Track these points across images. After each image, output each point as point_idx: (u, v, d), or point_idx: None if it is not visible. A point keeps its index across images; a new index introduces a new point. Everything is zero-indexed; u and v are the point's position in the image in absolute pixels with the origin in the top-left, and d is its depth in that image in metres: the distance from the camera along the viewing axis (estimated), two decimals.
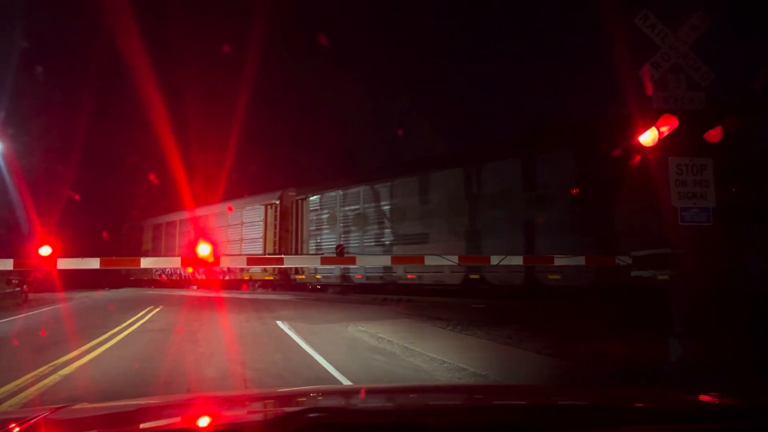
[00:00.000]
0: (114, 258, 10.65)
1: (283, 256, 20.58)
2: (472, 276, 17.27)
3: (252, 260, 13.35)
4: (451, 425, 1.63)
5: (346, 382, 7.09)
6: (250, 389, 6.51)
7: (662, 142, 6.91)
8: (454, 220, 18.37)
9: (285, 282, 26.50)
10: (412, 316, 13.77)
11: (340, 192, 23.48)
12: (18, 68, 30.22)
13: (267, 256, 22.82)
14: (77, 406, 2.42)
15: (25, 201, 26.90)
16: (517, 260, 10.67)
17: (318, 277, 24.07)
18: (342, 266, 21.72)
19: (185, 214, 31.96)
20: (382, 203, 21.50)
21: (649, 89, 6.91)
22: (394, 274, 20.45)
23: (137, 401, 2.69)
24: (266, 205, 27.50)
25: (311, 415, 1.56)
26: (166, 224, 35.74)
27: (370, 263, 19.67)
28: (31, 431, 1.78)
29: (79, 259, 9.24)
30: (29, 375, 7.27)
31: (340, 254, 13.27)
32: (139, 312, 16.33)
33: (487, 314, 12.89)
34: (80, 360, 8.51)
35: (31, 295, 21.58)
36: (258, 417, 1.80)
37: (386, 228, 21.14)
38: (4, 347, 10.50)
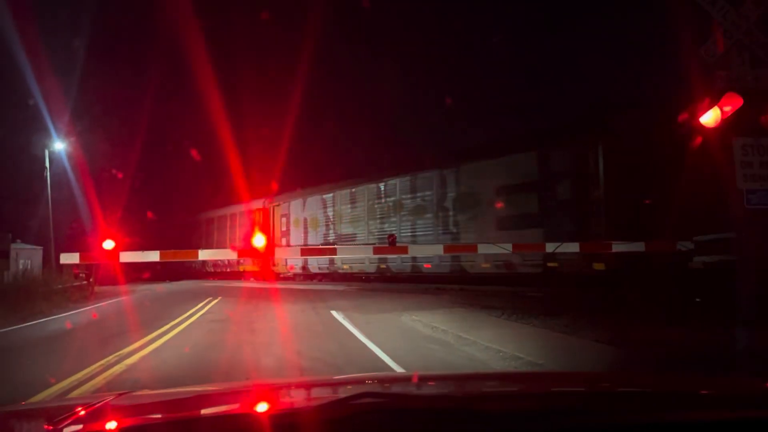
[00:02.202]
0: (173, 251, 10.97)
1: (336, 246, 20.68)
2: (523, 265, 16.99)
3: (305, 251, 13.45)
4: (509, 411, 1.60)
5: (400, 370, 7.10)
6: (306, 376, 6.60)
7: (725, 122, 6.63)
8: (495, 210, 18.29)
9: (334, 273, 27.05)
10: (466, 305, 13.69)
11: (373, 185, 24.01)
12: (83, 67, 31.43)
13: (321, 246, 23.05)
14: (139, 393, 2.49)
15: (89, 196, 27.97)
16: (573, 247, 10.45)
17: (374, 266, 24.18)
18: (392, 256, 21.71)
19: (241, 207, 32.58)
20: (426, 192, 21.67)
21: (711, 68, 6.64)
22: (447, 264, 20.51)
23: (196, 387, 2.76)
24: (323, 198, 27.92)
25: (366, 399, 1.56)
26: (218, 218, 36.35)
27: (422, 252, 19.45)
28: (95, 415, 1.84)
29: (140, 252, 9.57)
30: (97, 364, 7.56)
31: (392, 244, 13.30)
32: (198, 303, 16.76)
33: (543, 303, 12.68)
34: (144, 350, 8.80)
35: (97, 288, 22.42)
36: (314, 402, 1.81)
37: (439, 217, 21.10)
38: (74, 338, 10.98)
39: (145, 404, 2.21)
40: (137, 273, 29.21)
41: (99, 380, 6.76)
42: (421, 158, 22.59)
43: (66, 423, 1.64)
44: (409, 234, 21.79)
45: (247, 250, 9.31)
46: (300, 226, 28.15)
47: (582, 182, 15.98)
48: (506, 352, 7.63)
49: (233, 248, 23.10)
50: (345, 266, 24.67)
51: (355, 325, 11.03)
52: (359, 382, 2.50)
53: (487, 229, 18.27)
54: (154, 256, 9.55)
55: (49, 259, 24.08)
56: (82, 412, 1.84)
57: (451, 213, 20.19)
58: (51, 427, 1.63)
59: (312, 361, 7.70)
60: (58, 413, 1.75)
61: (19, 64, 25.18)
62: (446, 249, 15.39)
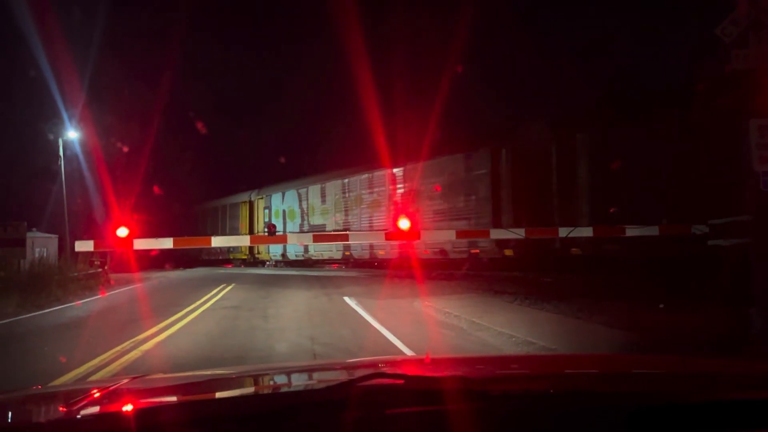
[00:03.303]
0: (186, 237, 11.03)
1: (348, 232, 20.99)
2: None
3: (318, 237, 13.52)
4: (521, 392, 1.59)
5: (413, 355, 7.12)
6: (319, 360, 6.63)
7: (742, 103, 6.54)
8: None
9: (308, 259, 29.54)
10: (479, 291, 13.69)
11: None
12: (96, 56, 31.57)
13: (332, 233, 23.36)
14: (153, 376, 2.51)
15: (103, 184, 28.14)
16: (587, 231, 10.39)
17: (382, 252, 24.94)
18: (354, 243, 24.92)
19: (311, 183, 33.02)
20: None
21: (728, 47, 6.53)
22: (396, 251, 22.88)
23: (210, 372, 2.77)
24: (299, 192, 30.31)
25: (378, 380, 1.56)
26: (230, 206, 36.86)
27: (432, 239, 19.91)
28: (110, 397, 1.86)
29: (154, 239, 9.62)
30: (113, 351, 7.64)
31: (271, 233, 13.29)
32: (212, 290, 16.87)
33: (555, 288, 12.64)
34: (159, 336, 8.88)
35: (111, 275, 22.62)
36: (326, 384, 1.81)
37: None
38: (90, 325, 11.10)
39: (159, 387, 2.23)
40: (151, 261, 29.48)
41: (115, 366, 6.83)
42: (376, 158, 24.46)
43: (81, 404, 1.65)
44: (367, 224, 24.79)
45: (261, 236, 9.39)
46: (280, 217, 30.82)
47: (495, 180, 18.91)
48: (519, 337, 7.62)
49: (252, 237, 23.63)
50: (316, 254, 27.97)
51: (368, 311, 11.06)
52: (371, 365, 2.50)
53: (426, 221, 20.90)
54: (167, 243, 9.61)
55: (64, 247, 24.31)
56: (98, 395, 1.85)
57: (400, 206, 21.26)
58: (66, 409, 1.64)
59: (325, 346, 7.73)
60: (74, 396, 1.76)
61: (33, 50, 25.29)
62: (458, 234, 15.63)
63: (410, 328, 9.09)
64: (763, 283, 6.53)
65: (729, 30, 6.46)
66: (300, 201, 29.51)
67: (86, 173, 29.37)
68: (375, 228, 23.72)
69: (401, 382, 1.56)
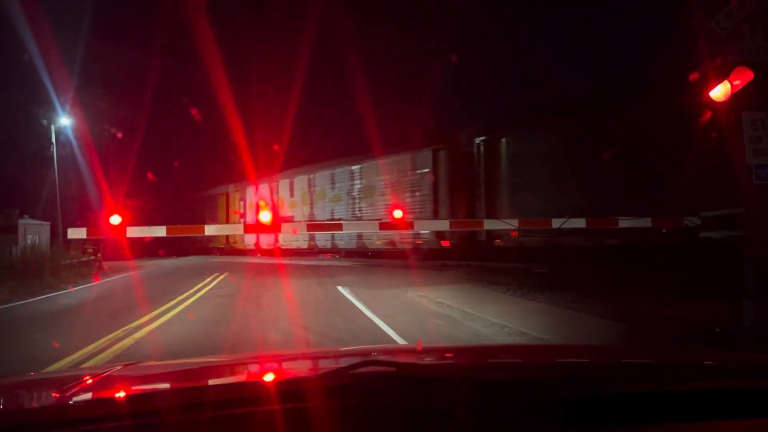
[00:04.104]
0: (179, 226, 11.00)
1: (342, 221, 21.45)
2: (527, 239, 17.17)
3: (312, 226, 13.53)
4: (512, 379, 1.61)
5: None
6: (312, 348, 6.65)
7: (735, 96, 6.55)
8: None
9: (278, 248, 30.66)
10: (472, 281, 13.73)
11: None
12: (88, 41, 31.28)
13: (327, 222, 23.67)
14: (146, 363, 2.52)
15: (95, 171, 28.02)
16: (580, 222, 10.42)
17: (378, 242, 25.84)
18: (318, 234, 27.06)
19: (248, 183, 33.98)
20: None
21: (722, 41, 6.53)
22: (354, 241, 25.60)
23: (203, 359, 2.78)
24: (270, 186, 32.39)
25: (371, 367, 1.57)
26: (226, 194, 37.11)
27: (425, 228, 20.28)
28: (103, 383, 1.86)
29: (147, 227, 9.59)
30: (105, 338, 7.64)
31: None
32: (205, 279, 16.85)
33: (549, 279, 12.69)
34: (152, 324, 8.87)
35: (104, 263, 22.56)
36: (319, 372, 1.82)
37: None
38: (82, 312, 11.07)
39: (152, 374, 2.23)
40: (145, 248, 29.40)
41: (108, 353, 6.83)
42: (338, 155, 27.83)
43: (74, 391, 1.65)
44: (328, 216, 26.71)
45: (254, 225, 9.39)
46: (253, 209, 32.63)
47: (435, 178, 20.97)
48: (511, 327, 7.66)
49: (246, 225, 24.04)
50: (285, 243, 29.98)
51: (362, 300, 11.08)
52: (364, 353, 2.52)
53: (378, 214, 22.84)
54: (160, 231, 9.58)
55: (57, 235, 24.19)
56: (90, 381, 1.86)
57: (357, 200, 25.35)
58: (59, 395, 1.65)
59: (318, 335, 7.76)
60: (67, 382, 1.76)
61: (23, 36, 25.04)
62: (452, 225, 15.75)
63: (403, 318, 9.13)
64: (754, 275, 6.57)
65: (723, 23, 6.46)
66: (272, 194, 31.57)
67: (80, 159, 29.23)
68: (335, 220, 25.63)
69: (393, 369, 1.57)
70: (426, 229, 20.64)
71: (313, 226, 20.01)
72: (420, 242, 21.79)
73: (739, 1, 6.48)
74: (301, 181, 29.45)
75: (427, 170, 21.56)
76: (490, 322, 8.23)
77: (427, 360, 2.22)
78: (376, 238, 23.46)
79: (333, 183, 26.97)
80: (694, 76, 7.50)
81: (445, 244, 20.50)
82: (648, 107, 13.49)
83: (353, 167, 25.54)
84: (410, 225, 14.01)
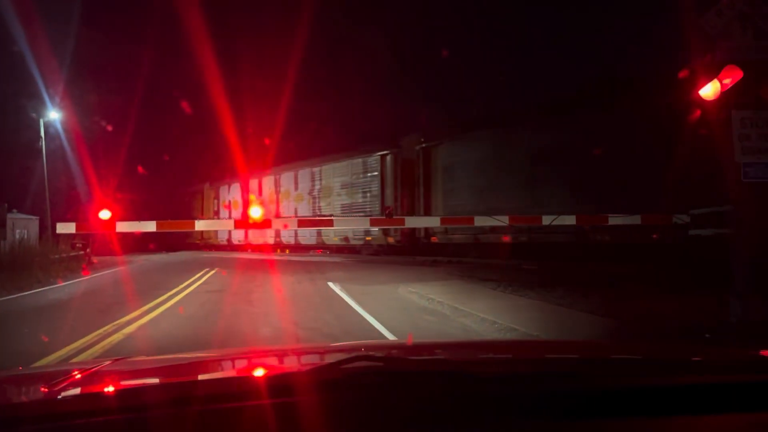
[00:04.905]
0: (169, 221, 10.96)
1: (333, 218, 21.89)
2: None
3: (303, 222, 13.53)
4: (501, 374, 1.62)
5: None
6: (302, 344, 6.65)
7: (725, 95, 6.59)
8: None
9: (247, 244, 33.49)
10: (463, 278, 13.76)
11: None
12: (77, 32, 31.05)
13: (317, 218, 24.03)
14: (136, 358, 2.51)
15: (85, 165, 27.85)
16: (570, 220, 10.47)
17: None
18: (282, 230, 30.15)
19: (238, 180, 34.74)
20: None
21: (712, 39, 6.56)
22: (314, 237, 28.22)
23: (193, 354, 2.77)
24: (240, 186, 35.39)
25: (361, 363, 1.57)
26: (219, 189, 37.32)
27: (418, 224, 20.69)
28: (92, 378, 1.86)
29: (137, 222, 9.54)
30: (95, 333, 7.59)
31: (389, 216, 13.33)
32: (195, 274, 16.81)
33: (539, 275, 12.75)
34: (141, 319, 8.84)
35: (93, 258, 22.44)
36: (309, 366, 1.82)
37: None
38: (71, 307, 11.01)
39: (141, 369, 2.22)
40: (135, 243, 29.32)
41: (97, 349, 6.79)
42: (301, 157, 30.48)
43: (62, 385, 1.65)
44: (292, 214, 28.81)
45: (245, 221, 9.36)
46: (226, 206, 35.86)
47: (383, 180, 23.36)
48: (501, 323, 7.68)
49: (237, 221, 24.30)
50: (253, 239, 32.46)
51: (352, 296, 11.08)
52: (354, 348, 2.52)
53: (335, 213, 24.73)
54: (150, 226, 9.53)
55: (46, 229, 24.03)
56: (79, 376, 1.85)
57: (317, 200, 27.79)
58: (48, 390, 1.64)
59: (308, 331, 7.75)
60: (55, 377, 1.75)
61: (11, 27, 24.81)
62: (443, 221, 15.89)
63: (393, 314, 9.14)
64: (742, 272, 6.62)
65: (713, 22, 6.49)
66: (242, 193, 34.17)
67: (69, 152, 29.04)
68: (299, 216, 27.55)
69: (383, 365, 1.57)
70: (353, 225, 24.00)
71: (303, 222, 20.69)
72: (370, 239, 24.37)
73: (728, 1, 6.51)
74: (268, 181, 31.88)
75: (375, 173, 23.96)
76: (480, 318, 8.25)
77: (417, 355, 2.23)
78: (333, 234, 26.20)
79: (296, 184, 29.68)
80: (683, 74, 7.53)
81: (390, 240, 23.15)
82: (619, 110, 13.84)
83: (314, 169, 28.07)
84: (402, 221, 14.06)
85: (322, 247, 27.75)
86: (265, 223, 10.23)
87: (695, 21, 6.69)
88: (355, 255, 24.84)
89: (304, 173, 28.89)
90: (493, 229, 15.87)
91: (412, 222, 18.58)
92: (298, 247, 29.50)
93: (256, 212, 9.99)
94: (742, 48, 6.54)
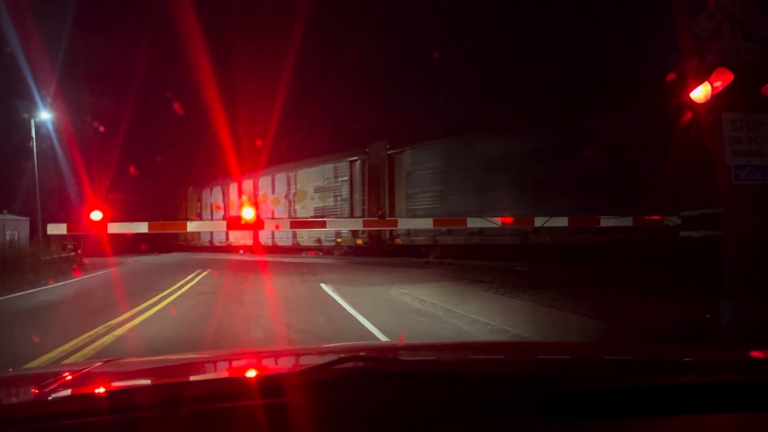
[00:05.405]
0: (161, 222, 10.92)
1: (326, 219, 22.46)
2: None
3: (296, 223, 13.53)
4: (493, 375, 1.62)
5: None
6: (293, 345, 6.64)
7: (715, 97, 6.63)
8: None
9: (229, 245, 34.61)
10: (455, 279, 13.77)
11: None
12: (70, 32, 30.91)
13: (311, 219, 24.29)
14: (127, 360, 2.50)
15: (76, 165, 27.73)
16: (562, 221, 10.49)
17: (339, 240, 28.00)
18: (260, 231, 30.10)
19: (230, 181, 34.80)
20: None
21: (703, 42, 6.60)
22: (290, 239, 29.47)
23: (184, 355, 2.76)
24: (221, 189, 36.07)
25: (352, 363, 1.57)
26: (202, 192, 37.58)
27: (413, 225, 20.99)
28: (82, 380, 1.85)
29: (129, 223, 9.51)
30: (86, 335, 7.56)
31: (382, 217, 13.34)
32: (187, 275, 16.75)
33: (531, 277, 12.78)
34: (133, 321, 8.80)
35: (85, 259, 22.33)
36: (301, 367, 1.82)
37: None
38: (62, 309, 10.95)
39: (133, 370, 2.22)
40: (127, 244, 29.22)
41: (88, 350, 6.76)
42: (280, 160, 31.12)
43: (53, 387, 1.64)
44: (270, 215, 29.54)
45: (237, 223, 9.36)
46: (208, 209, 37.07)
47: (351, 185, 24.62)
48: (494, 325, 7.69)
49: (229, 222, 24.63)
50: (237, 241, 33.69)
51: (344, 297, 11.08)
52: (346, 350, 2.52)
53: (308, 215, 26.45)
54: (142, 227, 9.48)
55: (37, 230, 23.88)
56: (70, 377, 1.84)
57: (292, 203, 28.97)
58: (38, 391, 1.63)
59: (300, 332, 7.74)
60: (46, 378, 1.75)
61: (3, 27, 24.67)
62: (436, 222, 15.98)
63: (386, 315, 9.13)
64: (732, 274, 6.66)
65: (704, 24, 6.53)
66: (224, 196, 35.52)
67: (60, 153, 28.90)
68: (279, 220, 28.05)
69: (375, 365, 1.57)
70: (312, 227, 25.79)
71: (296, 224, 21.16)
72: (340, 240, 25.75)
73: (717, 3, 6.55)
74: (247, 185, 33.00)
75: (345, 178, 25.23)
76: (472, 319, 8.26)
77: (409, 356, 2.23)
78: (307, 236, 27.93)
79: (273, 187, 30.86)
80: (671, 77, 7.57)
81: (359, 242, 24.31)
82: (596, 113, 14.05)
83: (290, 174, 29.41)
84: (395, 222, 14.11)
85: (297, 248, 29.26)
86: (257, 224, 10.21)
87: (687, 24, 6.73)
88: (349, 257, 24.92)
89: (280, 177, 30.15)
90: (450, 232, 17.98)
91: (405, 223, 18.66)
92: (275, 248, 30.51)
93: (248, 213, 9.97)
94: (732, 50, 6.58)
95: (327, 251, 26.96)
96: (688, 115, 7.74)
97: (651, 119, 11.92)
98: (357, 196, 24.41)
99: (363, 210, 23.83)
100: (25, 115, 25.91)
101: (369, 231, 22.67)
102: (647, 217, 10.61)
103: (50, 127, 27.02)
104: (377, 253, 23.00)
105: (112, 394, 1.61)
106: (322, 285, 13.37)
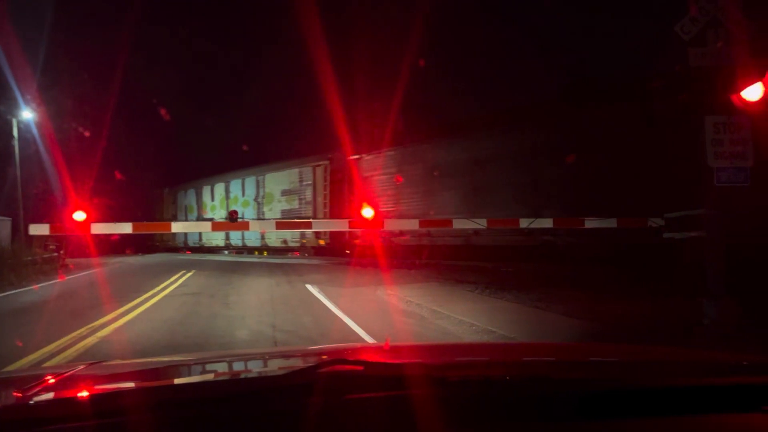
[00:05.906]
0: (145, 223, 10.83)
1: (311, 220, 22.68)
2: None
3: (280, 224, 13.51)
4: (478, 377, 1.62)
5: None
6: (279, 347, 6.61)
7: (696, 100, 6.70)
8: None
9: (202, 246, 35.98)
10: (441, 280, 13.80)
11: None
12: (53, 35, 30.60)
13: (294, 220, 24.48)
14: (110, 362, 2.47)
15: (59, 167, 27.44)
16: (547, 223, 10.54)
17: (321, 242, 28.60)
18: (235, 233, 32.27)
19: (204, 184, 36.67)
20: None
21: (686, 45, 6.67)
22: (259, 240, 31.11)
23: (169, 357, 2.74)
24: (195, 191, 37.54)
25: (338, 366, 1.57)
26: (197, 190, 37.30)
27: (401, 226, 21.28)
28: (66, 383, 1.83)
29: (112, 223, 9.41)
30: (69, 336, 7.49)
31: (233, 220, 13.49)
32: (172, 276, 16.64)
33: (516, 278, 12.85)
34: (117, 322, 8.73)
35: (68, 260, 22.10)
36: (287, 370, 1.82)
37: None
38: (45, 310, 10.82)
39: (116, 373, 2.20)
40: (112, 246, 29.03)
41: (71, 352, 6.70)
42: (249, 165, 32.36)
43: (35, 390, 1.62)
44: (240, 218, 28.85)
45: (222, 223, 9.37)
46: (183, 211, 38.29)
47: (315, 189, 25.93)
48: (479, 325, 7.72)
49: (214, 224, 24.97)
50: (210, 241, 35.38)
51: (330, 298, 11.06)
52: (332, 352, 2.51)
53: (276, 217, 27.29)
54: (126, 227, 9.39)
55: (19, 231, 23.58)
56: (52, 380, 1.82)
57: (261, 205, 30.21)
58: (21, 395, 1.61)
59: (286, 334, 7.71)
60: (27, 382, 1.72)
61: None
62: (421, 224, 16.16)
63: (372, 316, 9.13)
64: (715, 275, 6.74)
65: (688, 27, 6.60)
66: (197, 198, 36.96)
67: (44, 156, 28.57)
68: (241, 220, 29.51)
69: (361, 368, 1.57)
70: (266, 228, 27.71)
71: (282, 224, 21.15)
72: (305, 241, 27.20)
73: (700, 8, 6.62)
74: (219, 187, 34.41)
75: (309, 182, 26.53)
76: (458, 320, 8.28)
77: (395, 358, 2.23)
78: (275, 237, 29.38)
79: (243, 190, 32.05)
80: (656, 83, 7.65)
81: (322, 243, 25.64)
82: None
83: (259, 177, 30.55)
84: (381, 224, 14.13)
85: (265, 248, 30.75)
86: (243, 225, 10.16)
87: (669, 27, 6.80)
88: (335, 258, 25.00)
89: (250, 180, 31.36)
90: (402, 233, 19.17)
91: (391, 225, 18.71)
92: (246, 249, 32.23)
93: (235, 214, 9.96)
94: (714, 54, 6.66)
95: (292, 251, 28.58)
96: (672, 117, 7.79)
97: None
98: (320, 199, 25.75)
99: (325, 212, 25.18)
100: (9, 117, 25.59)
101: (331, 232, 24.21)
102: (631, 219, 10.69)
103: (34, 130, 26.78)
104: (337, 253, 24.15)
105: (96, 398, 1.59)
106: (308, 286, 13.35)
